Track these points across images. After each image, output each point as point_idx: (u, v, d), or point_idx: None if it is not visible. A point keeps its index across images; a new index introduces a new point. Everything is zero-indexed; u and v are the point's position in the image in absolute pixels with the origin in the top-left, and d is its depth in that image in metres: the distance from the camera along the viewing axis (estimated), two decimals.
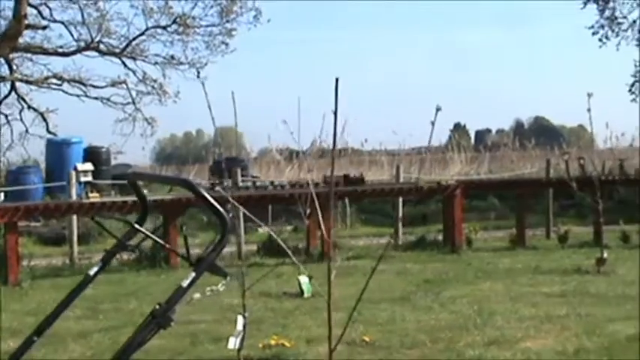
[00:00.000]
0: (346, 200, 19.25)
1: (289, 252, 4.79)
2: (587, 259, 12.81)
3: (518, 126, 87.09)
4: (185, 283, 3.12)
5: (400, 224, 16.98)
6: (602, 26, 27.09)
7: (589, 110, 12.05)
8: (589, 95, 11.91)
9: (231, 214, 3.06)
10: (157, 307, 3.11)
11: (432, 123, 3.96)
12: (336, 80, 3.50)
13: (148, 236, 3.40)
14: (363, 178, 17.86)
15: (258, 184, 19.65)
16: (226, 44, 25.97)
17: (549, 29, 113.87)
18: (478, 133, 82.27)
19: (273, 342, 7.79)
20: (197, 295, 3.39)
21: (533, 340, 7.99)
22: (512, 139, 37.73)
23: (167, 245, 3.26)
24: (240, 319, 5.34)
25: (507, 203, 21.48)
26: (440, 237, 16.17)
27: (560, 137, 37.31)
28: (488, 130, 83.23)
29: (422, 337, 8.09)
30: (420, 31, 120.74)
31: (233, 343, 5.33)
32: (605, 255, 12.31)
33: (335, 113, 3.54)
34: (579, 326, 8.44)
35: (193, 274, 3.13)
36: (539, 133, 55.66)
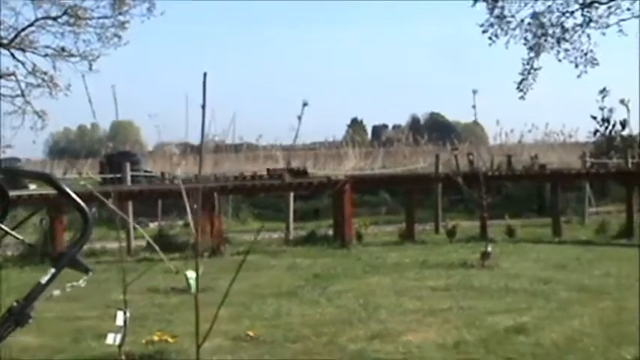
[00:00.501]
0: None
1: (155, 249, 4.72)
2: (473, 254, 13.05)
3: (414, 121, 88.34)
4: (44, 280, 3.05)
5: (291, 219, 17.03)
6: (492, 25, 27.62)
7: (474, 107, 12.33)
8: (474, 92, 12.15)
9: (93, 209, 3.00)
10: (15, 304, 3.04)
11: (299, 117, 3.96)
12: (204, 75, 3.47)
13: (7, 232, 3.31)
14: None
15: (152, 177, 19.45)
16: (119, 37, 25.55)
17: (446, 26, 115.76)
18: (375, 129, 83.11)
19: (156, 338, 7.69)
20: (57, 292, 3.32)
21: (415, 333, 8.10)
22: (407, 135, 38.28)
23: (26, 241, 3.15)
24: (120, 315, 5.28)
25: (399, 198, 21.73)
26: (330, 232, 16.26)
27: (453, 133, 37.93)
28: (385, 126, 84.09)
29: (306, 332, 8.13)
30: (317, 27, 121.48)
31: (112, 338, 5.26)
32: (490, 249, 12.57)
33: (203, 107, 3.51)
34: (460, 319, 8.60)
35: (53, 270, 3.06)
36: (434, 128, 56.54)
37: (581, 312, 8.77)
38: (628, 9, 26.99)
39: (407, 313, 9.01)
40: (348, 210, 15.88)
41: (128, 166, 17.51)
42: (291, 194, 17.78)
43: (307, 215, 20.03)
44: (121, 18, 25.41)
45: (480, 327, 8.21)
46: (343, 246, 15.26)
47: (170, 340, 7.65)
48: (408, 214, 16.82)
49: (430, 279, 11.38)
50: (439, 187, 18.55)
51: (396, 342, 7.72)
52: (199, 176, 4.83)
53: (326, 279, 11.61)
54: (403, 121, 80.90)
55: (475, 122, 51.11)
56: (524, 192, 22.83)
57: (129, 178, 17.27)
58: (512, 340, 7.66)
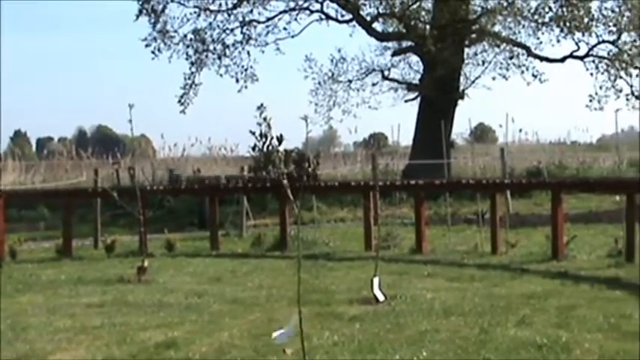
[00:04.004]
0: None
1: None
2: (131, 269, 12.95)
3: (81, 134, 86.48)
4: None
5: None
6: (155, 39, 27.76)
7: (130, 121, 12.26)
8: (130, 106, 12.12)
9: None
10: None
11: None
12: None
13: None
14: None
15: None
16: None
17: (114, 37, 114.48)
18: (40, 141, 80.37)
19: None
20: None
21: (64, 351, 7.91)
22: (70, 148, 37.38)
23: None
24: None
25: (58, 213, 21.11)
26: None
27: (117, 147, 37.52)
28: (50, 138, 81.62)
29: None
30: None
31: None
32: (147, 264, 12.55)
33: None
34: (112, 335, 8.50)
35: None
36: (101, 142, 55.67)
37: (231, 324, 8.98)
38: (284, 28, 28.32)
39: (58, 332, 8.75)
40: (1, 226, 15.17)
41: None
42: None
43: None
44: None
45: (131, 343, 8.17)
46: None
47: None
48: (65, 230, 16.37)
49: (85, 296, 11.14)
50: (98, 202, 18.26)
51: None
52: None
53: None
54: (70, 133, 79.03)
55: (143, 136, 50.95)
56: (186, 206, 23.07)
57: None
58: (162, 355, 7.69)
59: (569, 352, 7.46)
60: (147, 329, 8.80)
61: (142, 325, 9.05)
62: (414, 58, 29.84)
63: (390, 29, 29.58)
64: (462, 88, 28.85)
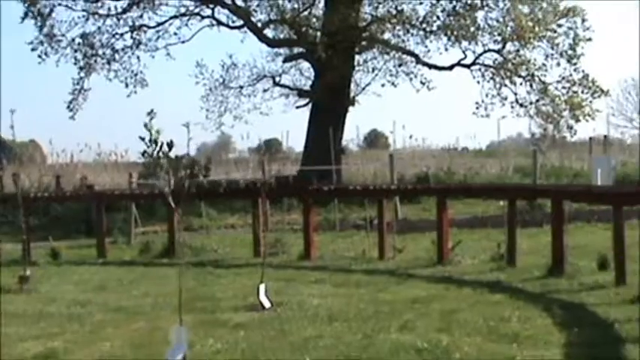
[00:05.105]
0: None
1: None
2: (12, 278, 12.63)
3: None
4: None
5: None
6: (42, 42, 27.17)
7: (12, 127, 11.97)
8: (12, 112, 11.83)
9: None
10: None
11: None
12: None
13: None
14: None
15: None
16: None
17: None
18: None
19: None
20: None
21: None
22: None
23: None
24: None
25: None
26: None
27: (3, 152, 36.54)
28: None
29: None
30: None
31: None
32: (29, 272, 12.27)
33: None
34: None
35: None
36: None
37: (113, 334, 8.86)
38: (175, 34, 28.10)
39: None
40: None
41: None
42: None
43: None
44: None
45: (11, 354, 7.98)
46: None
47: None
48: None
49: None
50: None
51: None
52: None
53: None
54: None
55: (32, 141, 49.77)
56: (73, 213, 22.61)
57: None
58: None
59: (449, 355, 7.61)
60: (26, 340, 8.61)
61: (21, 335, 8.86)
62: (305, 65, 29.96)
63: (282, 35, 29.61)
64: (352, 94, 29.09)
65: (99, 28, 27.74)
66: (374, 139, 53.48)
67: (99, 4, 27.65)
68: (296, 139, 40.45)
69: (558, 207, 12.72)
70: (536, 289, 11.19)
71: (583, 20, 26.86)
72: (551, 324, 8.88)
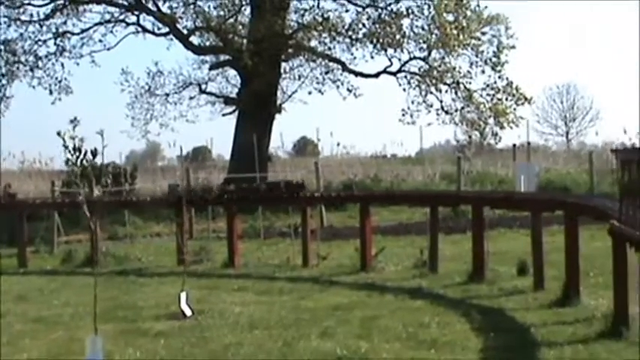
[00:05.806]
0: None
1: None
2: None
3: None
4: None
5: None
6: None
7: None
8: None
9: None
10: None
11: None
12: None
13: None
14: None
15: None
16: None
17: None
18: None
19: None
20: None
21: None
22: None
23: None
24: None
25: None
26: None
27: None
28: None
29: None
30: None
31: None
32: None
33: None
34: None
35: None
36: None
37: (31, 345, 8.74)
38: (100, 41, 27.84)
39: None
40: None
41: None
42: None
43: None
44: None
45: None
46: None
47: None
48: None
49: None
50: None
51: None
52: None
53: None
54: None
55: None
56: None
57: None
58: None
59: None
60: None
61: None
62: (231, 72, 29.95)
63: (208, 43, 29.54)
64: (279, 102, 29.14)
65: (21, 34, 27.44)
66: (302, 147, 53.59)
67: (21, 10, 27.27)
68: (226, 148, 40.13)
69: (479, 214, 12.92)
70: (457, 295, 11.33)
71: (507, 28, 27.40)
72: (469, 329, 9.01)
